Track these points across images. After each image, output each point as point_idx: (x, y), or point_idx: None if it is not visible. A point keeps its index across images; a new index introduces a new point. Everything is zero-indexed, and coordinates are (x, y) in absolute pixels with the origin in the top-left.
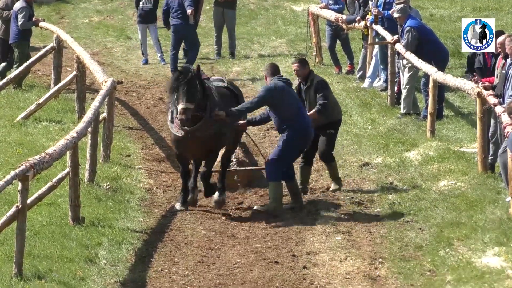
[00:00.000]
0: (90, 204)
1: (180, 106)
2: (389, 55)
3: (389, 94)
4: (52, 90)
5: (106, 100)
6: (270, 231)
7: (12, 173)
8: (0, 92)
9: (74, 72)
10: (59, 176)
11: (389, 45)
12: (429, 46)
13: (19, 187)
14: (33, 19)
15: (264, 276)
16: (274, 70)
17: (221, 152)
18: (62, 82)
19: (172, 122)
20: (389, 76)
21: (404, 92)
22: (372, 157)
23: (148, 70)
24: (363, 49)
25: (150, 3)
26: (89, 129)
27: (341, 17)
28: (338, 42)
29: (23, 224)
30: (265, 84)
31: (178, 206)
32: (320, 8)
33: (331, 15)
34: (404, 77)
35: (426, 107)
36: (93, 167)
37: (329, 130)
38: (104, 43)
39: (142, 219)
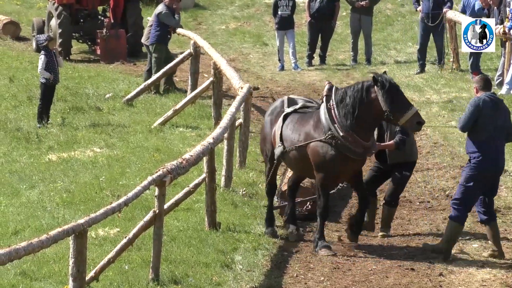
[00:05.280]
0: (226, 210)
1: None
2: None
3: None
4: (189, 96)
5: (242, 106)
6: (405, 238)
7: (150, 178)
8: (138, 98)
9: (211, 78)
10: (196, 181)
11: None
12: None
13: (156, 193)
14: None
15: (400, 283)
16: (485, 84)
17: None
18: (199, 88)
19: (344, 137)
20: None
21: None
22: (509, 164)
23: (284, 76)
24: (501, 56)
25: (288, 10)
26: (225, 135)
27: None
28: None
29: (160, 229)
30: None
31: (324, 252)
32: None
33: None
34: None
35: None
36: (229, 172)
37: (405, 172)
38: (241, 50)
39: (277, 225)
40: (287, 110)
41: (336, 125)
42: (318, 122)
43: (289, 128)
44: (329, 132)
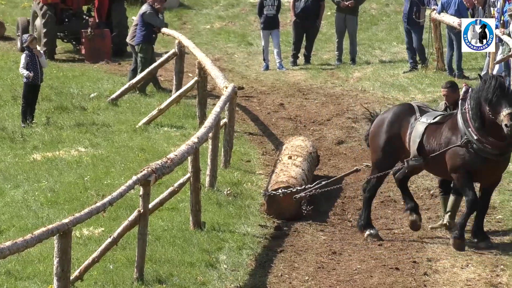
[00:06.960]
0: (210, 209)
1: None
2: None
3: None
4: (174, 95)
5: (227, 105)
6: (390, 237)
7: (134, 178)
8: (123, 98)
9: (196, 78)
10: (180, 181)
11: None
12: None
13: (141, 192)
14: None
15: (385, 282)
16: None
17: None
18: (184, 88)
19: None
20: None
21: None
22: None
23: (269, 76)
24: (486, 56)
25: (273, 9)
26: (210, 134)
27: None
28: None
29: (145, 229)
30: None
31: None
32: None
33: (453, 20)
34: None
35: None
36: (213, 172)
37: None
38: (226, 49)
39: (262, 225)
40: (424, 120)
41: (470, 128)
42: (456, 126)
43: (429, 138)
44: (465, 137)
